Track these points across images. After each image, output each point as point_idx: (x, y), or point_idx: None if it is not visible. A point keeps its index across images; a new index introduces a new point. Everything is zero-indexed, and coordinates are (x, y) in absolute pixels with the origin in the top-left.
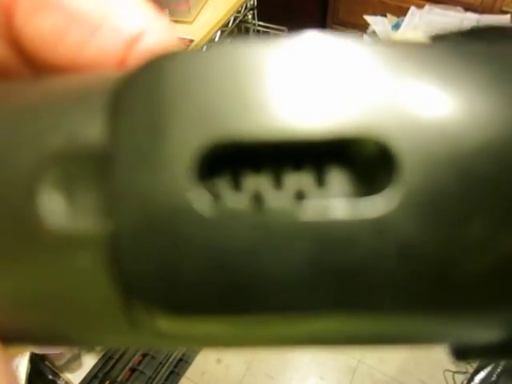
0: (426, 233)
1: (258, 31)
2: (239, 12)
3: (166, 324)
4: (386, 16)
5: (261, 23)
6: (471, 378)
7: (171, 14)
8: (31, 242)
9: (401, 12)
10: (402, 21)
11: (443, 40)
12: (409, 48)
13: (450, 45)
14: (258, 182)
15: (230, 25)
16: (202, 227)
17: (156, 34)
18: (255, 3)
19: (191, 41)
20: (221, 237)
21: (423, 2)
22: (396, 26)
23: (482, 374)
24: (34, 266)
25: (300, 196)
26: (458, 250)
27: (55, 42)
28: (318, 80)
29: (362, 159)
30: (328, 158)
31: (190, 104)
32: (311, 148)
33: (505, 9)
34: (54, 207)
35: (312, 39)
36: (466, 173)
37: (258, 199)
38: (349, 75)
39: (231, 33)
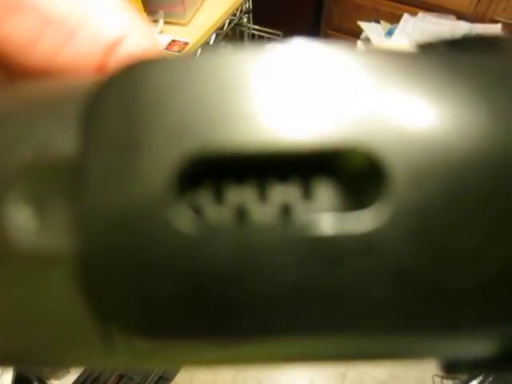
0: (416, 250)
1: (253, 35)
2: (234, 15)
3: (142, 346)
4: (379, 22)
5: (256, 27)
6: None
7: (166, 15)
8: None
9: (394, 19)
10: (396, 28)
11: (431, 49)
12: (398, 58)
13: (440, 56)
14: (241, 195)
15: (225, 28)
16: (182, 244)
17: (137, 39)
18: (250, 7)
19: (186, 43)
20: (201, 255)
21: (417, 10)
22: (389, 33)
23: (474, 383)
24: (1, 285)
25: (286, 210)
26: (449, 267)
27: (29, 45)
28: (304, 90)
29: (350, 172)
30: (315, 169)
31: (168, 114)
32: (297, 160)
33: (496, 18)
34: (21, 223)
35: (298, 48)
36: (456, 187)
37: (241, 213)
38: (336, 86)
39: (226, 36)
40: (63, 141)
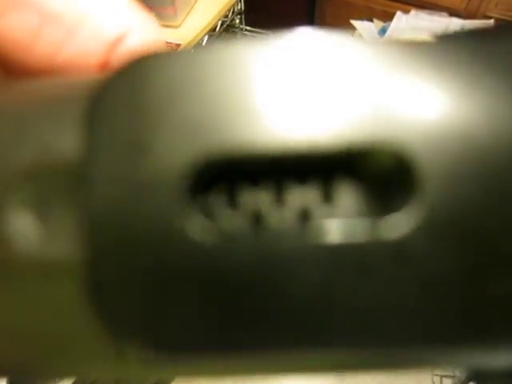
0: (450, 257)
1: (246, 36)
2: (227, 16)
3: (154, 359)
4: (372, 21)
5: (248, 28)
6: None
7: (157, 17)
8: (1, 269)
9: (387, 17)
10: (389, 26)
11: (450, 40)
12: (419, 50)
13: (462, 45)
14: (257, 198)
15: (217, 29)
16: (195, 254)
17: (140, 35)
18: (242, 8)
19: (178, 45)
20: (216, 265)
21: (409, 7)
22: (382, 31)
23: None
24: (5, 295)
25: (305, 214)
26: (489, 274)
27: (29, 42)
28: (323, 87)
29: (374, 173)
30: (336, 171)
31: (177, 113)
32: (316, 160)
33: (488, 14)
34: (24, 229)
35: (311, 40)
36: (495, 184)
37: (257, 218)
38: (358, 79)
39: (218, 37)
40: (66, 142)
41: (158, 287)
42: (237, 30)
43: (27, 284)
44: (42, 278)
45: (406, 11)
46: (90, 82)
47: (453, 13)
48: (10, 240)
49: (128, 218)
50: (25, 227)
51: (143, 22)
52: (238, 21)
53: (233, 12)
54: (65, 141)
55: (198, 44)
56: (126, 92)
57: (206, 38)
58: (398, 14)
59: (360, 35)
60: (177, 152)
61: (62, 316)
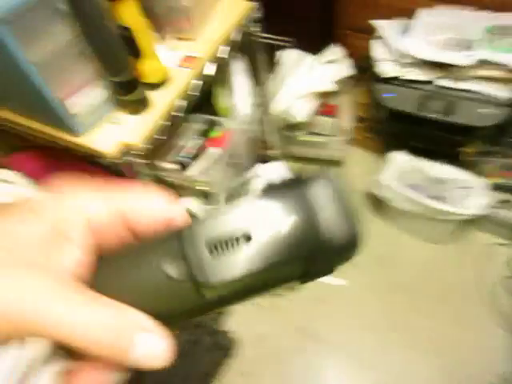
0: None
1: (264, 43)
2: (244, 25)
3: (216, 290)
4: (394, 19)
5: (266, 35)
6: None
7: (174, 31)
8: (163, 285)
9: (408, 14)
10: (411, 24)
11: (271, 189)
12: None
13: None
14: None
15: (234, 38)
16: (210, 265)
17: (178, 213)
18: (260, 15)
19: (196, 57)
20: (213, 268)
21: (432, 3)
22: (405, 29)
23: None
24: (165, 293)
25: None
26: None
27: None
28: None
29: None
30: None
31: (204, 235)
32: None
33: None
34: (171, 271)
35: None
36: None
37: (220, 252)
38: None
39: (236, 46)
40: (175, 255)
41: (207, 273)
42: (255, 37)
43: (176, 289)
44: (179, 285)
45: (429, 7)
46: (171, 235)
47: (480, 6)
48: (166, 275)
49: (199, 263)
50: (171, 271)
51: (178, 205)
52: (255, 28)
53: (250, 20)
54: (175, 255)
55: (214, 55)
56: (188, 238)
57: (224, 48)
58: (421, 10)
59: (381, 36)
60: (203, 244)
61: (183, 295)
